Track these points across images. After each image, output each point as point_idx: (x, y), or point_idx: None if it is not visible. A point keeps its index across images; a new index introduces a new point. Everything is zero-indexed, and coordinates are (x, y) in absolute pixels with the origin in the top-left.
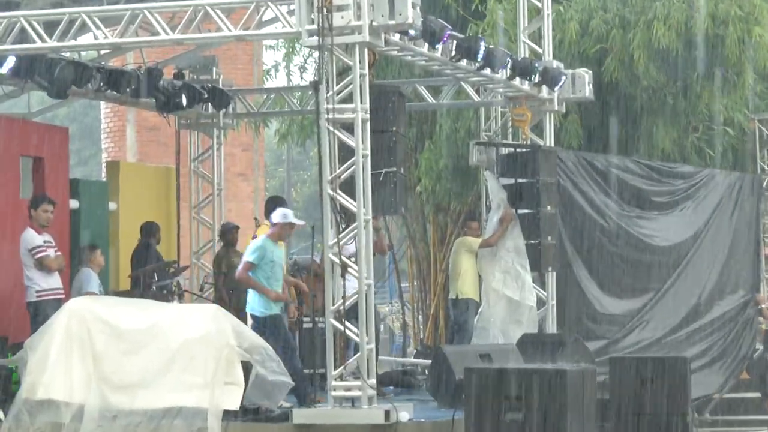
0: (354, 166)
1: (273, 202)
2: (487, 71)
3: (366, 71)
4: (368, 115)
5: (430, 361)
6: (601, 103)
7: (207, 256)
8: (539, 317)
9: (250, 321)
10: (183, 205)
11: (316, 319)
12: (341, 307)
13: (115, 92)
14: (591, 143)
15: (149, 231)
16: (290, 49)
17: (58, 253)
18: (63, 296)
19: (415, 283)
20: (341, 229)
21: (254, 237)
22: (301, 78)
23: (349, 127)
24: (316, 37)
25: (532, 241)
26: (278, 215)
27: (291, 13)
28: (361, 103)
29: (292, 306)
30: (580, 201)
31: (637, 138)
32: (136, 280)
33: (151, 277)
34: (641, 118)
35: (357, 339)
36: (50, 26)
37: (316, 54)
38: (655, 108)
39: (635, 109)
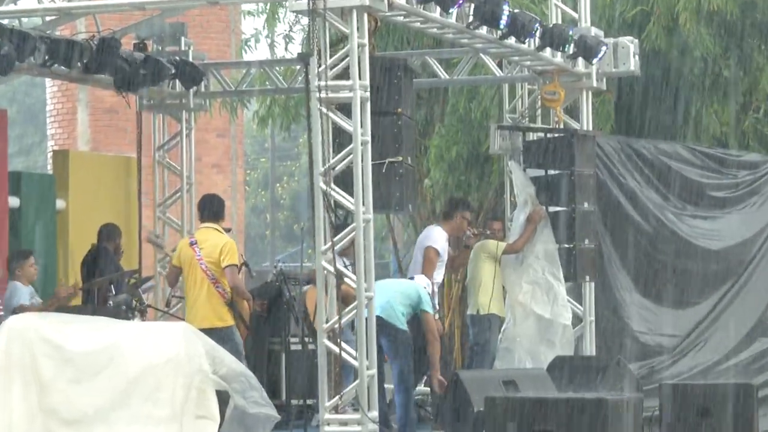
0: (351, 155)
1: (210, 202)
2: (512, 41)
3: (366, 41)
4: (368, 94)
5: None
6: (641, 77)
7: None
8: (575, 336)
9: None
10: (146, 202)
11: (306, 339)
12: (336, 325)
13: (63, 67)
14: (627, 127)
15: (107, 235)
16: (273, 15)
17: None
18: (1, 313)
19: None
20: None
21: (193, 243)
22: (286, 50)
23: (345, 109)
24: (305, 0)
25: (566, 245)
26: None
27: None
28: (359, 79)
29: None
30: (621, 197)
31: (684, 120)
32: (88, 293)
33: (107, 289)
34: (689, 95)
35: (355, 363)
36: None
37: (304, 20)
38: (707, 84)
39: (682, 85)
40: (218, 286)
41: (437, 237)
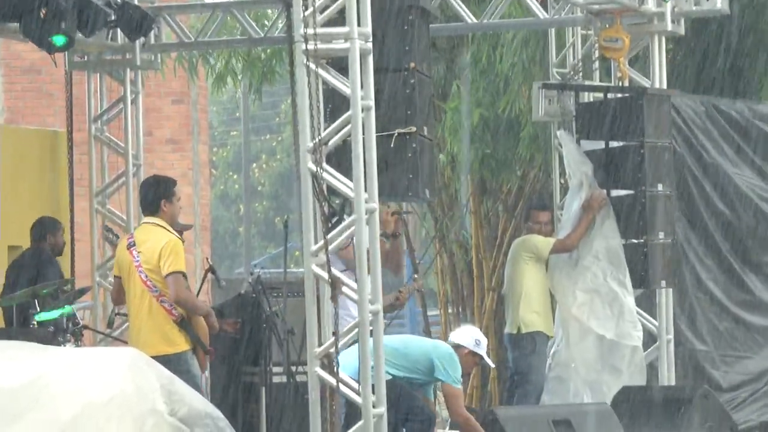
0: (349, 126)
1: (143, 188)
2: None
3: None
4: (370, 45)
5: None
6: (702, 25)
7: None
8: (648, 361)
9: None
10: (80, 190)
11: (294, 368)
12: (332, 349)
13: None
14: (683, 85)
15: (41, 231)
16: None
17: None
18: None
19: (450, 310)
20: (330, 225)
21: (131, 245)
22: None
23: (340, 64)
24: None
25: (635, 241)
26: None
27: None
28: (358, 25)
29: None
30: (704, 177)
31: (759, 78)
32: (7, 310)
33: (29, 306)
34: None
35: (357, 398)
36: None
37: None
38: None
39: (760, 33)
40: (163, 301)
41: None
